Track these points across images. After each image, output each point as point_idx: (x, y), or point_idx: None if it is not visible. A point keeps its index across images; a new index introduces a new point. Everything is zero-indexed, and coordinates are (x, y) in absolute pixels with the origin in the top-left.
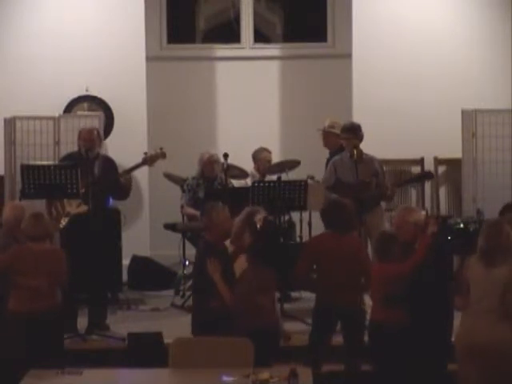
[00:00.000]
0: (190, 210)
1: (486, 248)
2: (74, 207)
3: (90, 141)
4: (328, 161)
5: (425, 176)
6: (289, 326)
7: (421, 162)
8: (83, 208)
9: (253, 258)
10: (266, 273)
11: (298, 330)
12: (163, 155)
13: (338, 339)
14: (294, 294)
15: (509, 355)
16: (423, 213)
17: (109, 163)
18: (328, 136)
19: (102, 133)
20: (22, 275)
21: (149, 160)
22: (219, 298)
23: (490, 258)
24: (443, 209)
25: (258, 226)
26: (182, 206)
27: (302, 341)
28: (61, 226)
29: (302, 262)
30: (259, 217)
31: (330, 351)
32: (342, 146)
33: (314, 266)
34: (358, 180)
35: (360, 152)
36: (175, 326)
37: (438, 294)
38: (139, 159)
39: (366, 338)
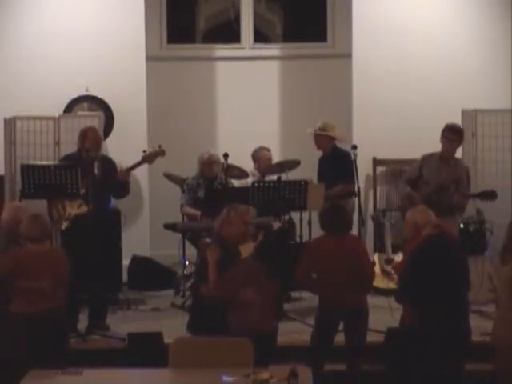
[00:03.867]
0: (190, 210)
1: (501, 246)
2: (75, 208)
3: (97, 140)
4: (320, 161)
5: (490, 195)
6: (288, 327)
7: None
8: (84, 209)
9: (259, 255)
10: (265, 273)
11: (297, 330)
12: (162, 152)
13: (338, 339)
14: (294, 294)
15: None
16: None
17: (108, 163)
18: (319, 138)
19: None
20: (25, 278)
21: (148, 158)
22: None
23: (502, 256)
24: None
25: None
26: (181, 206)
27: (301, 341)
28: (63, 227)
29: (301, 265)
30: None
31: (331, 351)
32: (334, 146)
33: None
34: (438, 182)
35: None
36: (175, 326)
37: (452, 295)
38: (139, 159)
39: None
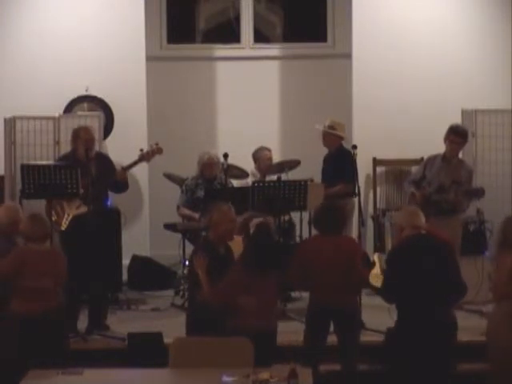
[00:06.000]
0: (186, 211)
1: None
2: (73, 209)
3: (91, 140)
4: (325, 159)
5: (477, 192)
6: (288, 326)
7: (421, 162)
8: (83, 209)
9: (244, 263)
10: (259, 276)
11: (297, 330)
12: (159, 150)
13: (334, 339)
14: (294, 294)
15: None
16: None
17: (104, 160)
18: (328, 136)
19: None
20: (27, 277)
21: (145, 156)
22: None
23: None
24: None
25: (251, 231)
26: (177, 207)
27: (301, 341)
28: (62, 228)
29: (293, 265)
30: (255, 221)
31: (328, 351)
32: (341, 145)
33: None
34: (438, 183)
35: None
36: (175, 326)
37: (428, 296)
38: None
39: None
